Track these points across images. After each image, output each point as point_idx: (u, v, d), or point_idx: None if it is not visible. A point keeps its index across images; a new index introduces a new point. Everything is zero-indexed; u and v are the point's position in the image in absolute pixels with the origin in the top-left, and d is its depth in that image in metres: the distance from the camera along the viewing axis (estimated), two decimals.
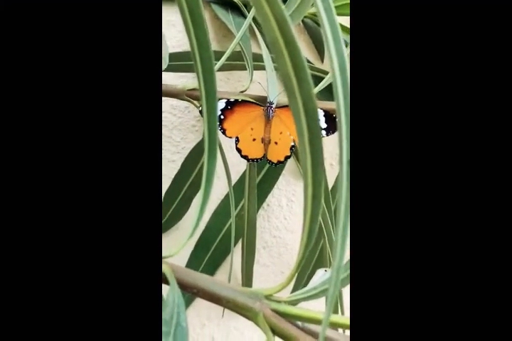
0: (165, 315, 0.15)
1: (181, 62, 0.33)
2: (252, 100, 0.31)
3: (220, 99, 0.29)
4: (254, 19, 0.31)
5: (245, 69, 0.32)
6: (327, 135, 0.29)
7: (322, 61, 0.42)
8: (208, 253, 0.37)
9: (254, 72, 0.32)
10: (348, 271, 0.15)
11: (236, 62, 0.33)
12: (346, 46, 0.14)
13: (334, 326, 0.16)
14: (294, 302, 0.16)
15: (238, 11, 0.36)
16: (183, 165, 0.35)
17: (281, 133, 0.30)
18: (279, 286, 0.16)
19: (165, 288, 0.16)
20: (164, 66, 0.29)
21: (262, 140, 0.31)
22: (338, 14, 0.14)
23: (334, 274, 0.12)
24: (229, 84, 0.38)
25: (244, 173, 0.35)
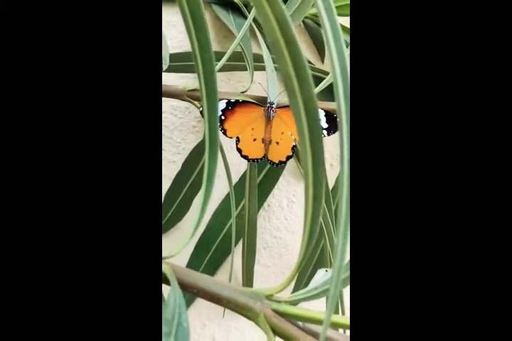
0: (166, 315, 0.15)
1: (182, 63, 0.33)
2: (252, 100, 0.31)
3: (220, 100, 0.29)
4: (254, 20, 0.31)
5: (246, 69, 0.32)
6: (328, 135, 0.29)
7: (322, 61, 0.42)
8: (209, 254, 0.37)
9: (255, 72, 0.32)
10: (349, 272, 0.15)
11: (237, 62, 0.33)
12: (347, 47, 0.14)
13: (335, 326, 0.16)
14: (294, 303, 0.16)
15: (239, 12, 0.36)
16: (183, 165, 0.35)
17: (282, 133, 0.30)
18: (280, 286, 0.16)
19: (166, 288, 0.16)
20: (165, 67, 0.29)
21: (263, 140, 0.31)
22: (339, 15, 0.14)
23: (335, 274, 0.12)
24: (230, 84, 0.38)
25: (244, 173, 0.35)
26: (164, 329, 0.15)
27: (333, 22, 0.13)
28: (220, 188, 0.37)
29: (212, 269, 0.37)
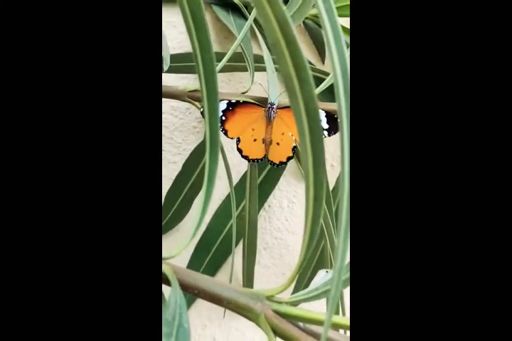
0: (167, 315, 0.15)
1: (182, 64, 0.33)
2: (253, 101, 0.31)
3: (221, 101, 0.29)
4: (255, 20, 0.31)
5: (246, 70, 0.32)
6: (329, 136, 0.29)
7: (323, 62, 0.42)
8: (209, 255, 0.37)
9: (256, 73, 0.32)
10: (349, 273, 0.15)
11: (237, 63, 0.33)
12: (347, 47, 0.14)
13: (335, 327, 0.16)
14: (295, 303, 0.16)
15: (239, 13, 0.37)
16: (184, 166, 0.35)
17: (283, 133, 0.30)
18: (280, 287, 0.16)
19: (166, 289, 0.16)
20: (165, 67, 0.29)
21: (263, 140, 0.31)
22: (339, 15, 0.14)
23: (336, 275, 0.12)
24: (230, 85, 0.39)
25: (245, 174, 0.35)
26: (165, 330, 0.15)
27: (333, 23, 0.13)
28: (221, 189, 0.37)
29: (212, 270, 0.37)
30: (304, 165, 0.14)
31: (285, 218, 0.41)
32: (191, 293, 0.17)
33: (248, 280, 0.36)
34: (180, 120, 0.37)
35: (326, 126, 0.29)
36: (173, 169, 0.36)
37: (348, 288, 0.15)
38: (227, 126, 0.30)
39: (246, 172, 0.33)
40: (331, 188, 0.36)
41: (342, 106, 0.13)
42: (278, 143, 0.31)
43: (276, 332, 0.16)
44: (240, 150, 0.31)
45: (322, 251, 0.35)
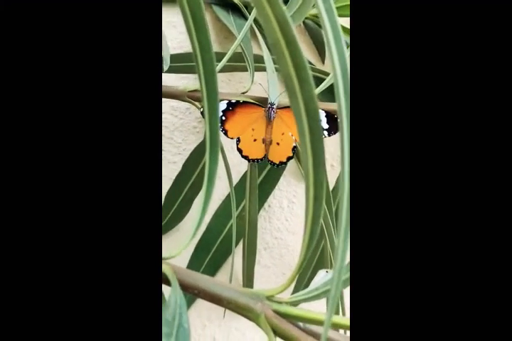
0: (167, 316, 0.15)
1: (182, 64, 0.33)
2: (253, 101, 0.31)
3: (221, 101, 0.29)
4: (255, 20, 0.31)
5: (246, 70, 0.32)
6: (329, 136, 0.29)
7: (323, 62, 0.42)
8: (209, 255, 0.37)
9: (256, 73, 0.32)
10: (349, 273, 0.15)
11: (237, 63, 0.33)
12: (347, 47, 0.14)
13: (335, 327, 0.16)
14: (295, 303, 0.16)
15: (239, 13, 0.37)
16: (184, 166, 0.35)
17: (283, 133, 0.30)
18: (280, 287, 0.16)
19: (166, 289, 0.16)
20: (165, 67, 0.29)
21: (263, 140, 0.31)
22: (339, 15, 0.14)
23: (336, 275, 0.12)
24: (230, 85, 0.39)
25: (245, 174, 0.35)
26: (165, 330, 0.15)
27: (333, 23, 0.13)
28: (221, 189, 0.37)
29: (212, 270, 0.37)
30: (304, 165, 0.14)
31: (285, 218, 0.41)
32: (191, 293, 0.17)
33: (248, 280, 0.36)
34: (180, 120, 0.37)
35: (326, 126, 0.29)
36: (173, 169, 0.36)
37: (348, 288, 0.15)
38: (227, 126, 0.30)
39: (246, 172, 0.33)
40: (331, 188, 0.36)
41: (342, 106, 0.13)
42: (278, 143, 0.31)
43: (276, 332, 0.16)
44: (240, 150, 0.31)
45: (322, 251, 0.35)
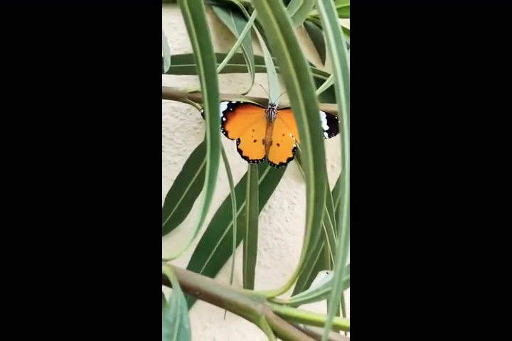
0: (168, 317, 0.15)
1: (183, 65, 0.33)
2: (253, 102, 0.31)
3: (221, 102, 0.29)
4: (255, 22, 0.31)
5: (247, 71, 0.32)
6: (329, 137, 0.29)
7: (323, 63, 0.42)
8: (210, 256, 0.37)
9: (256, 74, 0.32)
10: (349, 274, 0.15)
11: (238, 64, 0.33)
12: (347, 48, 0.14)
13: (336, 328, 0.16)
14: (296, 305, 0.16)
15: (240, 14, 0.37)
16: (184, 167, 0.35)
17: (283, 135, 0.30)
18: (281, 289, 0.16)
19: (167, 290, 0.16)
20: (166, 68, 0.29)
21: (263, 141, 0.31)
22: (340, 16, 0.14)
23: (337, 276, 0.12)
24: (231, 86, 0.39)
25: (245, 175, 0.35)
26: (166, 331, 0.15)
27: (334, 24, 0.13)
28: (221, 190, 0.37)
29: (212, 271, 0.37)
30: (305, 166, 0.14)
31: (285, 219, 0.41)
32: (192, 295, 0.17)
33: (249, 281, 0.36)
34: (180, 121, 0.37)
35: (326, 127, 0.29)
36: (173, 170, 0.36)
37: (348, 289, 0.15)
38: (227, 127, 0.30)
39: (246, 173, 0.33)
40: (331, 189, 0.36)
41: (342, 107, 0.13)
42: (278, 144, 0.31)
43: (277, 334, 0.16)
44: (240, 151, 0.31)
45: (322, 252, 0.35)
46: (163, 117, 0.36)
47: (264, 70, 0.30)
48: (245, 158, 0.31)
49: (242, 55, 0.32)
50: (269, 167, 0.37)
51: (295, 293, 0.36)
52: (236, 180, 0.36)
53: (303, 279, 0.38)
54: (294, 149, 0.30)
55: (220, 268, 0.38)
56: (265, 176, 0.38)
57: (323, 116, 0.29)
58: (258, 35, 0.34)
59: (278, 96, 0.30)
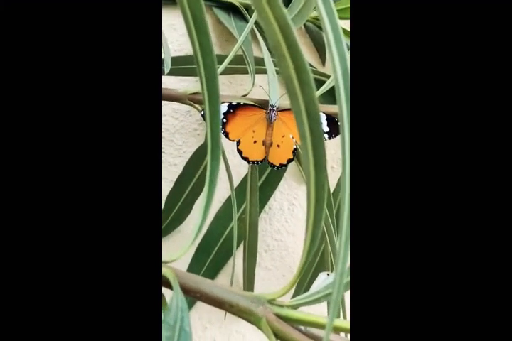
0: (168, 319, 0.15)
1: (183, 66, 0.33)
2: (254, 103, 0.31)
3: (222, 103, 0.29)
4: (256, 23, 0.31)
5: (247, 73, 0.32)
6: (329, 138, 0.29)
7: (323, 65, 0.42)
8: (210, 257, 0.37)
9: (256, 75, 0.32)
10: (349, 276, 0.15)
11: (238, 65, 0.33)
12: (348, 50, 0.14)
13: (336, 330, 0.16)
14: (296, 307, 0.16)
15: (240, 15, 0.37)
16: (184, 168, 0.35)
17: (283, 136, 0.30)
18: (282, 290, 0.16)
19: (168, 292, 0.16)
20: (166, 70, 0.29)
21: (263, 142, 0.31)
22: (340, 18, 0.14)
23: (338, 278, 0.12)
24: (231, 87, 0.39)
25: (245, 176, 0.35)
26: (167, 333, 0.15)
27: (334, 25, 0.13)
28: (221, 191, 0.37)
29: (213, 273, 0.37)
30: (305, 167, 0.14)
31: (285, 220, 0.41)
32: (193, 297, 0.17)
33: (249, 282, 0.36)
34: (180, 122, 0.37)
35: (326, 128, 0.29)
36: (173, 171, 0.36)
37: (348, 291, 0.15)
38: (228, 129, 0.30)
39: (246, 174, 0.33)
40: (331, 190, 0.36)
41: (343, 108, 0.13)
42: (278, 146, 0.31)
43: (277, 336, 0.16)
44: (240, 152, 0.31)
45: (322, 254, 0.35)
46: (164, 119, 0.36)
47: (264, 72, 0.30)
48: (245, 158, 0.31)
49: (243, 57, 0.32)
50: (269, 168, 0.37)
51: (295, 294, 0.36)
52: (236, 182, 0.36)
53: (303, 281, 0.38)
54: (294, 150, 0.30)
55: (220, 269, 0.38)
56: (265, 177, 0.38)
57: (323, 118, 0.29)
58: (258, 36, 0.34)
59: (278, 97, 0.30)
